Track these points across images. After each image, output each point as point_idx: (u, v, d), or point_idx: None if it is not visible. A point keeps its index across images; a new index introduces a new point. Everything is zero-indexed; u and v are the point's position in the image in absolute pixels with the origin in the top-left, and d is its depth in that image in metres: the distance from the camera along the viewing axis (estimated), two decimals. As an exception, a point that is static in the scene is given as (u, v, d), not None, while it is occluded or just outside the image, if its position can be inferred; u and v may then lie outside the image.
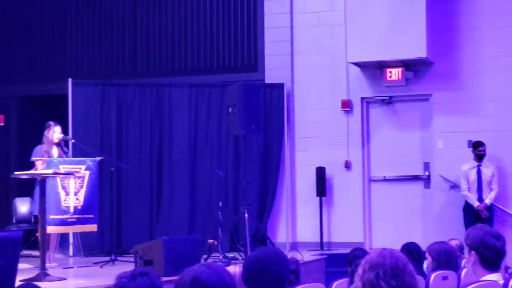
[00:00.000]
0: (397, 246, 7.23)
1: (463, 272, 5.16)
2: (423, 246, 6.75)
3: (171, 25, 12.50)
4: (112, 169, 10.10)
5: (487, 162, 10.61)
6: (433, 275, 5.05)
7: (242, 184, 10.53)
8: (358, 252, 5.96)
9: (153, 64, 12.57)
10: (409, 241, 6.75)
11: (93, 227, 9.38)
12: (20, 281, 5.87)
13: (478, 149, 10.55)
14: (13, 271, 5.33)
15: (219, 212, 9.76)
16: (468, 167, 10.60)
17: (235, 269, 4.30)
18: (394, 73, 11.23)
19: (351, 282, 4.51)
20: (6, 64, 13.10)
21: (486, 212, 10.37)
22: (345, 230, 11.33)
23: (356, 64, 11.31)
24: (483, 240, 4.12)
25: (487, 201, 10.45)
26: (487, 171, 10.56)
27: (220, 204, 9.96)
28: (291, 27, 11.91)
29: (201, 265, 2.71)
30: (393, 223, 11.25)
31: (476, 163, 10.58)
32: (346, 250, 7.91)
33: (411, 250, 6.35)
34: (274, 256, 3.63)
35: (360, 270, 3.20)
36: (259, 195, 11.46)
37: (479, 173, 10.56)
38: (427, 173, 11.25)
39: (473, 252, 4.13)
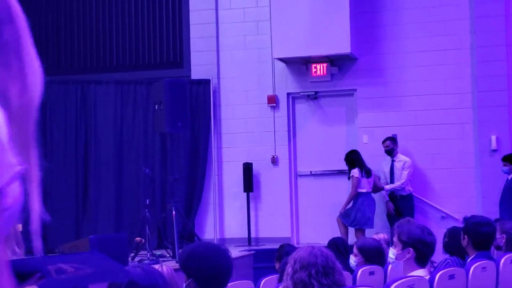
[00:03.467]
0: (324, 240, 7.34)
1: (390, 267, 5.26)
2: (350, 240, 6.88)
3: (95, 21, 12.34)
4: (36, 168, 9.92)
5: (402, 156, 10.84)
6: (360, 271, 5.13)
7: (169, 181, 10.49)
8: (289, 248, 6.01)
9: (77, 61, 12.39)
10: (335, 235, 6.86)
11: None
12: None
13: (383, 145, 10.81)
14: None
15: (146, 210, 9.69)
16: (384, 161, 10.87)
17: (162, 268, 4.29)
18: (319, 69, 11.35)
19: (281, 278, 4.55)
20: None
21: (391, 204, 10.61)
22: (273, 226, 11.41)
23: (281, 59, 11.39)
24: (421, 238, 4.21)
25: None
26: (399, 164, 10.80)
27: (147, 201, 9.90)
28: (217, 23, 11.91)
29: (136, 267, 2.71)
30: (319, 217, 11.38)
31: (391, 158, 10.84)
32: (274, 246, 8.00)
33: (338, 245, 6.45)
34: (213, 248, 3.62)
35: (289, 269, 3.23)
36: (186, 192, 11.44)
37: (392, 167, 10.80)
38: (352, 167, 11.42)
39: (410, 249, 4.20)
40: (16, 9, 1.62)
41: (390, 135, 10.90)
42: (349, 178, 10.68)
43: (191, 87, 11.50)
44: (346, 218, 10.56)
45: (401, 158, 10.83)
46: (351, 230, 10.75)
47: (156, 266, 4.13)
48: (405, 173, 10.71)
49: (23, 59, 1.57)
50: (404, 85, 11.18)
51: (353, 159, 10.62)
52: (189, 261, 3.59)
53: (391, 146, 10.78)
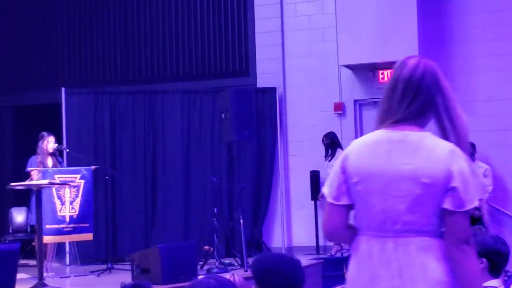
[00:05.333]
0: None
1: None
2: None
3: (162, 32, 12.49)
4: (106, 177, 10.08)
5: (480, 162, 10.61)
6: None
7: (236, 189, 10.52)
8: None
9: (145, 71, 12.55)
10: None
11: (89, 236, 9.39)
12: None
13: None
14: (12, 283, 5.33)
15: (214, 218, 9.74)
16: None
17: (234, 278, 4.30)
18: (387, 75, 11.22)
19: None
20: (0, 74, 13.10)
21: (477, 212, 10.36)
22: (341, 234, 11.30)
23: (348, 66, 11.32)
24: (496, 248, 4.14)
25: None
26: (478, 171, 10.54)
27: (215, 210, 9.95)
28: (282, 31, 11.91)
29: (210, 279, 2.73)
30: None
31: None
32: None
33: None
34: (286, 259, 3.60)
35: None
36: (253, 200, 11.45)
37: None
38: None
39: (484, 259, 4.12)
40: (443, 83, 2.95)
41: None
42: (330, 160, 10.64)
43: (257, 95, 11.53)
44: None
45: (480, 164, 10.56)
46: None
47: (227, 275, 4.14)
48: (490, 180, 10.48)
49: (452, 117, 2.92)
50: (474, 90, 10.96)
51: (335, 140, 10.73)
52: (264, 274, 3.57)
53: (470, 151, 10.55)
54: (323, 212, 10.16)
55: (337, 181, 2.91)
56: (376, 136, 2.90)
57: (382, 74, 11.24)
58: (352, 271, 2.94)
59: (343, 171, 2.90)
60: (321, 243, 11.28)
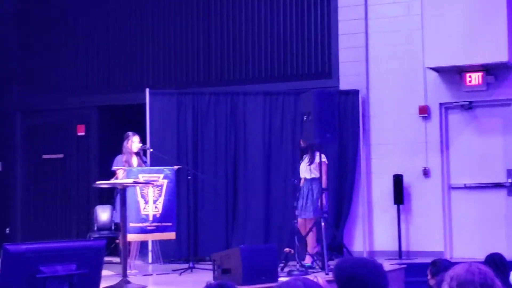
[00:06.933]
0: (480, 255, 7.08)
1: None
2: (507, 256, 6.57)
3: (244, 33, 12.52)
4: (188, 177, 10.15)
5: None
6: (523, 288, 4.89)
7: (318, 192, 10.42)
8: (447, 263, 5.79)
9: (227, 72, 12.61)
10: (491, 251, 6.58)
11: (171, 235, 9.49)
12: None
13: None
14: (97, 280, 5.39)
15: (295, 220, 9.70)
16: None
17: (318, 280, 4.24)
18: (474, 78, 10.97)
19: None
20: (86, 75, 13.38)
21: None
22: (425, 239, 11.11)
23: (434, 69, 11.11)
24: None
25: None
26: None
27: (296, 212, 9.89)
28: (366, 33, 11.78)
29: (297, 280, 2.71)
30: (475, 232, 10.96)
31: None
32: (426, 260, 7.79)
33: (496, 262, 6.18)
34: (369, 264, 3.53)
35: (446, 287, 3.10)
36: (334, 203, 11.34)
37: None
38: (510, 180, 10.94)
39: None
40: None
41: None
42: (310, 164, 9.99)
43: (340, 97, 11.43)
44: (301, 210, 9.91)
45: None
46: (510, 246, 10.30)
47: (310, 277, 4.08)
48: None
49: None
50: None
51: (312, 143, 10.06)
52: (347, 279, 3.50)
53: None
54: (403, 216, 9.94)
55: None
56: None
57: (470, 77, 10.98)
58: None
59: None
60: (403, 248, 11.09)
